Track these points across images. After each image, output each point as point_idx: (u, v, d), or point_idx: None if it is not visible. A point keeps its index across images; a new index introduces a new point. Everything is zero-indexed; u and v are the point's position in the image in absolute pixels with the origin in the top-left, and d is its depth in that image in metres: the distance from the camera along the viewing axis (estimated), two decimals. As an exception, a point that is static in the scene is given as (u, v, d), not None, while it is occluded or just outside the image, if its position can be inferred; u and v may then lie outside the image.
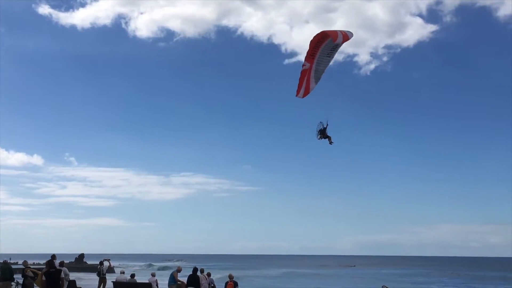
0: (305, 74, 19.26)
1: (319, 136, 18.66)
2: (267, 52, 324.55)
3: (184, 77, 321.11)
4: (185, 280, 22.89)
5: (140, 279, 33.00)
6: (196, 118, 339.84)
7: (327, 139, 18.59)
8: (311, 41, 18.96)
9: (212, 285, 25.00)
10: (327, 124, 18.33)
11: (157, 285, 29.30)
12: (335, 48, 18.88)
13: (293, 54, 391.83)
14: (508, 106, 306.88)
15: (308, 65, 19.18)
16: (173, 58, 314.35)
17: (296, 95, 19.36)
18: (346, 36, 18.27)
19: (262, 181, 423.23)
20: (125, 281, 30.24)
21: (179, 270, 24.97)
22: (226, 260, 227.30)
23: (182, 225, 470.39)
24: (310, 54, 19.12)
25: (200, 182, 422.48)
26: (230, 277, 21.89)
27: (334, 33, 18.48)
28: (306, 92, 19.35)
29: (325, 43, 18.72)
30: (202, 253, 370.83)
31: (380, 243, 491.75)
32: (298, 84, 19.33)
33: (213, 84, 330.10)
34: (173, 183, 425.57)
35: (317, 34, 18.79)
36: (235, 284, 21.35)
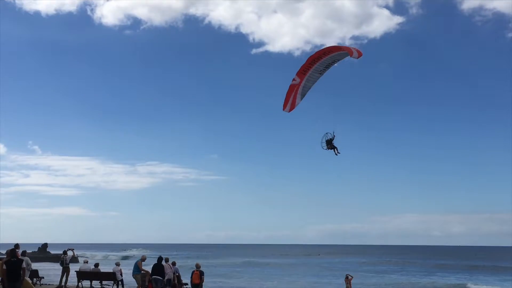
0: (293, 90, 19.83)
1: (326, 147, 18.88)
2: (235, 41, 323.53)
3: (151, 65, 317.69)
4: (149, 269, 22.82)
5: (104, 268, 32.80)
6: (163, 107, 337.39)
7: (333, 149, 19.00)
8: (311, 56, 19.36)
9: (177, 274, 24.99)
10: (334, 136, 18.73)
11: (121, 274, 29.17)
12: (330, 65, 19.34)
13: (261, 43, 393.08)
14: (471, 95, 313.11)
15: (298, 80, 19.69)
16: (139, 46, 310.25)
17: (283, 109, 19.92)
18: (360, 52, 18.81)
19: (229, 171, 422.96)
20: (88, 270, 30.02)
21: (143, 259, 24.89)
22: (191, 250, 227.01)
23: (148, 214, 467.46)
24: (303, 70, 19.57)
25: (166, 171, 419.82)
26: (197, 266, 21.91)
27: (349, 49, 18.94)
28: (292, 107, 19.94)
29: (323, 60, 19.13)
30: (167, 243, 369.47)
31: (345, 232, 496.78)
32: (285, 98, 19.89)
33: (180, 73, 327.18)
34: (139, 172, 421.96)
35: (321, 50, 19.16)
36: (202, 273, 21.38)
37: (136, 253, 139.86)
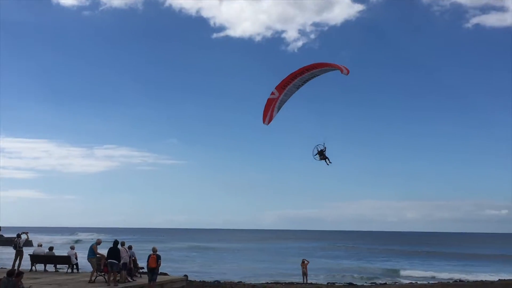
0: (271, 103, 21.04)
1: (318, 158, 19.91)
2: (195, 25, 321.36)
3: (110, 48, 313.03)
4: (105, 253, 22.70)
5: (58, 252, 32.44)
6: (121, 90, 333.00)
7: (325, 160, 19.96)
8: (294, 71, 20.32)
9: (133, 257, 24.91)
10: (325, 147, 19.72)
11: (76, 258, 28.94)
12: (309, 80, 20.43)
13: (221, 28, 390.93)
14: (428, 84, 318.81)
15: (277, 94, 20.84)
16: (98, 27, 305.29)
17: (263, 122, 21.20)
18: (348, 70, 19.77)
19: (188, 155, 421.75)
20: (42, 254, 29.64)
21: (98, 243, 24.71)
22: (149, 234, 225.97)
23: (105, 198, 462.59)
24: (283, 85, 20.69)
25: (124, 155, 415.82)
26: (154, 250, 21.86)
27: (339, 67, 19.88)
28: (270, 119, 21.24)
29: (304, 75, 20.24)
30: (124, 227, 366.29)
31: (302, 218, 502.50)
32: (264, 112, 21.13)
33: (140, 56, 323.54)
34: (96, 155, 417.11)
35: (306, 66, 20.09)
36: (158, 257, 21.35)
37: (91, 236, 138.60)
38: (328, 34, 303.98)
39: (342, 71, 19.56)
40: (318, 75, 20.49)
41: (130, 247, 24.59)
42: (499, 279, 39.16)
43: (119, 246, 22.67)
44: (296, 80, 20.62)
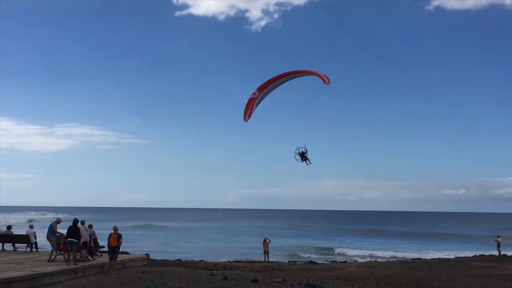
0: (251, 102, 22.47)
1: (300, 159, 21.12)
2: (158, 3, 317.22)
3: (71, 23, 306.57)
4: (65, 232, 22.43)
5: (17, 231, 31.97)
6: (83, 67, 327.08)
7: (305, 161, 21.21)
8: (276, 77, 21.63)
9: (94, 236, 24.72)
10: (306, 150, 21.02)
11: (35, 237, 28.55)
12: (284, 82, 21.76)
13: (184, 6, 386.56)
14: (390, 63, 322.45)
15: (257, 94, 22.19)
16: (59, 2, 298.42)
17: (244, 120, 22.73)
18: (329, 80, 21.14)
19: (151, 134, 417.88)
20: (1, 233, 29.21)
21: (58, 222, 24.41)
22: (110, 213, 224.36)
23: (65, 177, 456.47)
24: (264, 86, 22.03)
25: (85, 133, 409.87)
26: (115, 228, 21.70)
27: (321, 76, 21.16)
28: (249, 116, 22.69)
29: (285, 78, 21.55)
30: (85, 206, 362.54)
31: (265, 197, 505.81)
32: (245, 110, 22.64)
33: (102, 34, 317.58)
34: (56, 134, 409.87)
35: (289, 72, 21.38)
36: (119, 236, 21.22)
37: (47, 216, 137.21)
38: (291, 14, 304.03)
39: (324, 82, 20.82)
40: (297, 78, 21.75)
41: (90, 226, 24.38)
42: (455, 257, 40.23)
43: (79, 225, 22.43)
44: (276, 82, 21.94)
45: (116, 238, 20.96)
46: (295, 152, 21.29)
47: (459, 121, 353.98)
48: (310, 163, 21.48)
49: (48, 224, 25.33)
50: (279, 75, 21.68)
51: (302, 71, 21.71)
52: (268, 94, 22.64)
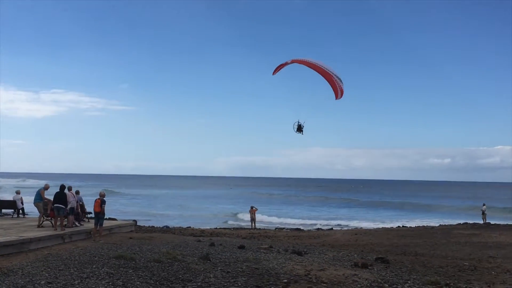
0: (283, 65, 22.79)
1: (298, 132, 22.58)
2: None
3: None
4: (52, 198, 22.38)
5: (4, 196, 31.89)
6: (69, 33, 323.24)
7: (301, 132, 22.59)
8: (312, 63, 22.32)
9: (81, 202, 24.74)
10: (304, 123, 22.42)
11: (22, 202, 28.52)
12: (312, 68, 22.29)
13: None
14: (380, 34, 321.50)
15: (289, 61, 22.56)
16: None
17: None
18: (341, 95, 22.63)
19: (139, 101, 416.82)
20: (-13, 198, 29.13)
21: (46, 188, 24.34)
22: (98, 180, 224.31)
23: (52, 143, 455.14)
24: (298, 61, 22.54)
25: (72, 100, 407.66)
26: (101, 194, 21.69)
27: (336, 92, 22.49)
28: (275, 71, 23.10)
29: (314, 68, 22.23)
30: (73, 172, 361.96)
31: (252, 165, 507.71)
32: (277, 67, 22.98)
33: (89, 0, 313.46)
34: (43, 100, 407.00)
35: (322, 68, 22.19)
36: (103, 201, 21.20)
37: (32, 182, 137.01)
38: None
39: (335, 97, 22.23)
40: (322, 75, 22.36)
41: (77, 192, 24.36)
42: (440, 224, 40.78)
43: (66, 190, 22.39)
44: (309, 65, 22.36)
45: (99, 203, 20.95)
46: (294, 124, 22.52)
47: (446, 90, 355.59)
48: (302, 134, 22.71)
49: (35, 190, 25.27)
50: (314, 64, 22.22)
51: (331, 76, 22.20)
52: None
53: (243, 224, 45.14)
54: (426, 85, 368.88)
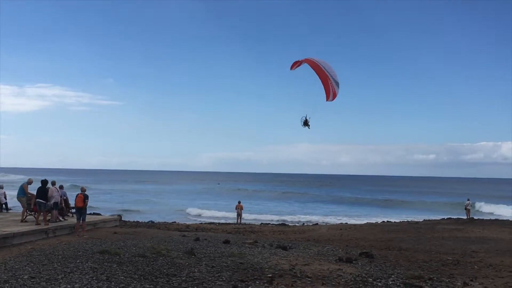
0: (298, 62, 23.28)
1: (304, 126, 23.38)
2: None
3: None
4: (35, 192, 22.24)
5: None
6: (54, 26, 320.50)
7: (307, 126, 23.32)
8: (318, 65, 22.62)
9: (64, 197, 24.58)
10: (310, 118, 23.04)
11: (5, 197, 28.26)
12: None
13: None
14: (366, 32, 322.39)
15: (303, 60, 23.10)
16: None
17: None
18: (333, 98, 23.00)
19: (125, 96, 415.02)
20: (-30, 193, 28.84)
21: (29, 183, 24.20)
22: (82, 175, 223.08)
23: (37, 138, 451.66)
24: (306, 60, 23.00)
25: (57, 94, 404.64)
26: (82, 189, 21.57)
27: (328, 94, 22.83)
28: (292, 67, 23.56)
29: (317, 69, 22.63)
30: (57, 167, 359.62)
31: (238, 160, 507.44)
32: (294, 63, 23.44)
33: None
34: (28, 94, 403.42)
35: (323, 72, 22.56)
36: (86, 196, 21.08)
37: (13, 178, 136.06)
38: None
39: (326, 99, 22.66)
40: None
41: (61, 187, 24.22)
42: (424, 220, 41.03)
43: (49, 185, 22.25)
44: (313, 65, 22.78)
45: (82, 198, 20.83)
46: (301, 118, 23.44)
47: (430, 87, 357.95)
48: (309, 128, 23.55)
49: (19, 185, 25.09)
50: (317, 64, 22.64)
51: (327, 78, 22.64)
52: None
53: (228, 219, 45.06)
54: (410, 82, 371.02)
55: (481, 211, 56.80)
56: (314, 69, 22.55)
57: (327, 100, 22.87)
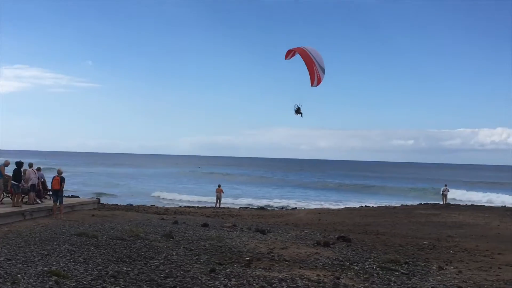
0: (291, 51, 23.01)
1: (297, 114, 23.21)
2: None
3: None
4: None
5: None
6: (32, 6, 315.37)
7: (300, 114, 23.12)
8: (306, 52, 22.47)
9: (42, 179, 24.38)
10: (301, 106, 22.95)
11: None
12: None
13: None
14: (348, 18, 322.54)
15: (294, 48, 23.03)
16: None
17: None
18: (317, 83, 22.61)
19: (104, 78, 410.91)
20: None
21: (6, 164, 23.88)
22: (61, 157, 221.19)
23: (15, 120, 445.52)
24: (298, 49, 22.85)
25: (35, 75, 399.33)
26: (59, 171, 21.41)
27: (313, 79, 22.50)
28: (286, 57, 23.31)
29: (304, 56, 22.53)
30: (35, 150, 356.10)
31: (218, 144, 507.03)
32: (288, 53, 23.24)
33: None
34: (5, 75, 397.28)
35: (309, 58, 22.40)
36: (62, 179, 20.93)
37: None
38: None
39: (311, 84, 22.51)
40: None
41: (38, 169, 24.00)
42: (401, 205, 41.45)
43: (26, 167, 22.07)
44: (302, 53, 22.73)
45: (58, 181, 20.71)
46: (294, 106, 23.34)
47: (409, 73, 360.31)
48: (302, 116, 23.57)
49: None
50: (305, 50, 22.62)
51: (313, 63, 22.51)
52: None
53: (207, 203, 45.09)
54: (390, 67, 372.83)
55: (457, 197, 57.45)
56: (301, 56, 22.66)
57: (311, 85, 22.93)
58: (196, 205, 41.83)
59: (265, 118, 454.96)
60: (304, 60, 22.59)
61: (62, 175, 21.20)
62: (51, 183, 21.15)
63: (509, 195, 59.99)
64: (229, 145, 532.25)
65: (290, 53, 23.14)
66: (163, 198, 53.00)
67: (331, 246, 16.48)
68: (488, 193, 64.96)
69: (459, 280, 11.96)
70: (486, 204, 44.34)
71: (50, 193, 25.38)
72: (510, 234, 21.93)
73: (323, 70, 23.03)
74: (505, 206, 41.30)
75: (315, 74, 22.75)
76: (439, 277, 12.33)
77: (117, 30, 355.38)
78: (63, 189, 21.23)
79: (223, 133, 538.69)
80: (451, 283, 11.61)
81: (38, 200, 22.91)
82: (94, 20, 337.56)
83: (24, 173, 22.14)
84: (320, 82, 23.09)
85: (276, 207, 44.43)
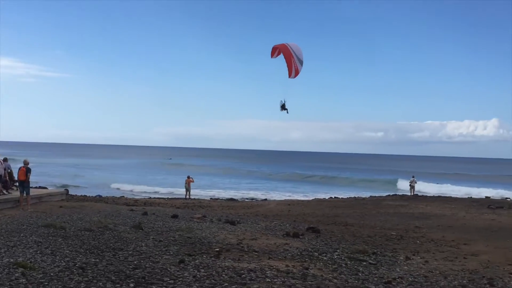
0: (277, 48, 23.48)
1: (282, 110, 23.67)
2: None
3: None
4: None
5: None
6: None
7: (285, 110, 23.61)
8: (286, 48, 22.98)
9: (9, 170, 24.03)
10: (285, 101, 23.45)
11: None
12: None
13: None
14: (320, 4, 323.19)
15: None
16: None
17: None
18: (295, 75, 23.10)
19: (75, 68, 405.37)
20: None
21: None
22: (30, 148, 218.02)
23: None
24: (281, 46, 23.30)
25: (5, 65, 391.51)
26: (25, 162, 21.13)
27: (290, 71, 22.97)
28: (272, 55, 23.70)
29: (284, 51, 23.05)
30: (3, 140, 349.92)
31: (189, 135, 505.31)
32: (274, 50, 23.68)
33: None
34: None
35: (288, 51, 22.91)
36: (28, 170, 20.67)
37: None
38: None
39: (289, 76, 22.92)
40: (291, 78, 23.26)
41: (5, 160, 23.66)
42: (370, 196, 41.92)
43: (-8, 158, 21.72)
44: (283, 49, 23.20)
45: (24, 172, 20.47)
46: (280, 102, 23.65)
47: (379, 65, 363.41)
48: (287, 112, 23.88)
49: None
50: (286, 45, 23.04)
51: (291, 56, 22.89)
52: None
53: (177, 195, 44.93)
54: (361, 61, 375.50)
55: (424, 189, 58.26)
56: (281, 50, 22.86)
57: (289, 77, 23.07)
58: (166, 196, 41.69)
59: (239, 110, 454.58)
60: (283, 54, 22.78)
61: (28, 166, 20.92)
62: (17, 174, 20.87)
63: (476, 186, 61.16)
64: (202, 136, 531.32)
65: (275, 51, 23.33)
66: (137, 189, 52.70)
67: (301, 237, 16.59)
68: (455, 184, 66.09)
69: (425, 270, 12.15)
70: (453, 195, 45.06)
71: (17, 184, 25.10)
72: (476, 225, 22.35)
73: (301, 62, 23.28)
74: (471, 197, 42.02)
75: (293, 66, 22.94)
76: (406, 267, 12.51)
77: (88, 19, 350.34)
78: (29, 180, 20.95)
79: (197, 125, 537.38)
80: (417, 273, 11.79)
81: (4, 191, 22.58)
82: (64, 8, 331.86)
83: (-10, 163, 21.82)
84: (298, 73, 23.28)
85: (246, 199, 44.53)
